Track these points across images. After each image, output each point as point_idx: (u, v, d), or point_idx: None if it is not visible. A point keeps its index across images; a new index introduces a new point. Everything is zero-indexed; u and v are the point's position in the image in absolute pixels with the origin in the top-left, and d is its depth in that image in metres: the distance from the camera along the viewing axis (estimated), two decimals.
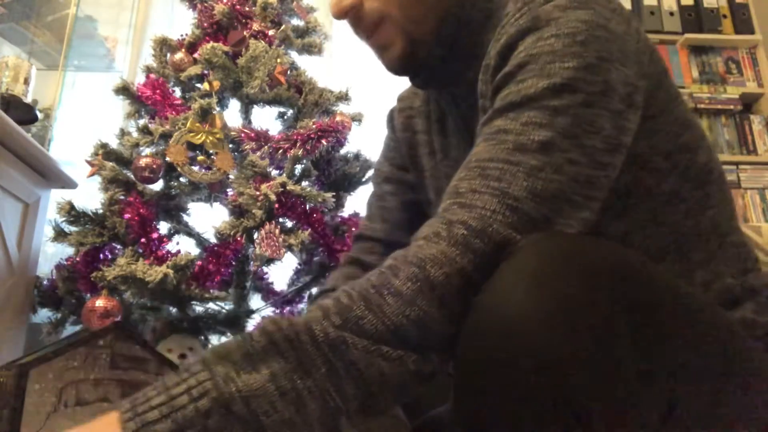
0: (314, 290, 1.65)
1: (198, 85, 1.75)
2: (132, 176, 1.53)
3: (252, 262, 1.55)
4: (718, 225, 0.65)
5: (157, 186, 1.59)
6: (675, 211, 0.63)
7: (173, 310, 1.53)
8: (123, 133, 1.70)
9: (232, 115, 1.76)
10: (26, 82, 1.70)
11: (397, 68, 0.71)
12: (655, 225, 0.62)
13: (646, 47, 0.61)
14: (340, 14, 0.67)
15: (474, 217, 0.50)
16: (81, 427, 0.42)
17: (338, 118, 1.68)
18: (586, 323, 0.42)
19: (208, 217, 1.69)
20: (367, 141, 1.83)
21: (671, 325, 0.47)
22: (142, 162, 1.51)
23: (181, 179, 1.61)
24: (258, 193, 1.45)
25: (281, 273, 1.74)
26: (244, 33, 1.73)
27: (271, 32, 1.77)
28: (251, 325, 1.61)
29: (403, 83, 0.81)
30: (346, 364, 0.44)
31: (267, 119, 1.80)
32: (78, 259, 1.48)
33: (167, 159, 1.50)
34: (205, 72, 1.71)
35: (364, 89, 1.96)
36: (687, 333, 0.47)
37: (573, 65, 0.54)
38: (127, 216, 1.45)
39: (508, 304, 0.43)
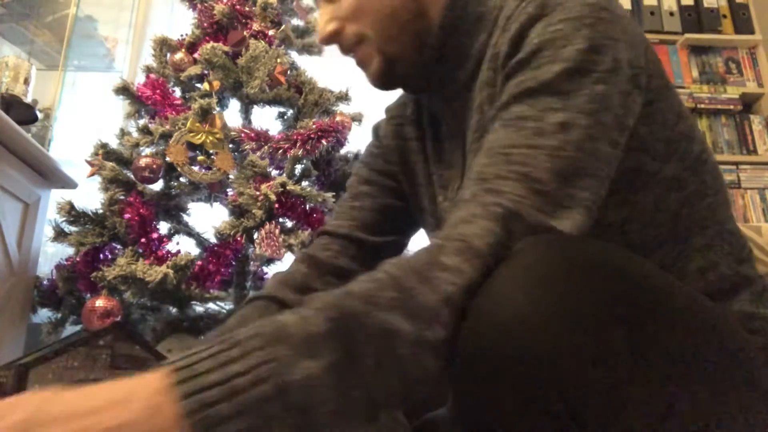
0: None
1: (198, 85, 1.75)
2: (132, 176, 1.53)
3: (252, 262, 1.55)
4: (714, 213, 0.66)
5: (157, 186, 1.59)
6: (675, 198, 0.64)
7: (173, 310, 1.53)
8: (123, 133, 1.70)
9: (232, 115, 1.76)
10: (26, 82, 1.70)
11: (377, 84, 0.75)
12: (655, 212, 0.63)
13: (642, 35, 0.64)
14: (324, 40, 0.73)
15: (505, 201, 0.51)
16: (121, 386, 0.39)
17: (338, 118, 1.68)
18: (584, 324, 0.42)
19: (208, 217, 1.69)
20: (367, 141, 1.83)
21: (669, 325, 0.47)
22: (142, 162, 1.51)
23: (181, 179, 1.61)
24: (258, 193, 1.45)
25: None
26: (244, 33, 1.73)
27: (271, 32, 1.77)
28: None
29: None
30: (394, 359, 0.43)
31: (267, 119, 1.80)
32: (78, 259, 1.48)
33: (167, 159, 1.50)
34: (205, 72, 1.72)
35: (364, 89, 1.96)
36: (685, 333, 0.48)
37: (583, 47, 0.57)
38: (127, 216, 1.45)
39: (506, 305, 0.44)
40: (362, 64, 0.74)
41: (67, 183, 1.77)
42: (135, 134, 1.66)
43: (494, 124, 0.59)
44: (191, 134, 1.51)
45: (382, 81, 0.74)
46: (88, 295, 1.47)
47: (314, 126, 1.58)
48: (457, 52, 0.71)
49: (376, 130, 0.90)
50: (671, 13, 2.64)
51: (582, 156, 0.53)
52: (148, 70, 1.79)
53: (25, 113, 1.66)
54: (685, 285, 0.54)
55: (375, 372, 0.42)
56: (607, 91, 0.56)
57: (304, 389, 0.39)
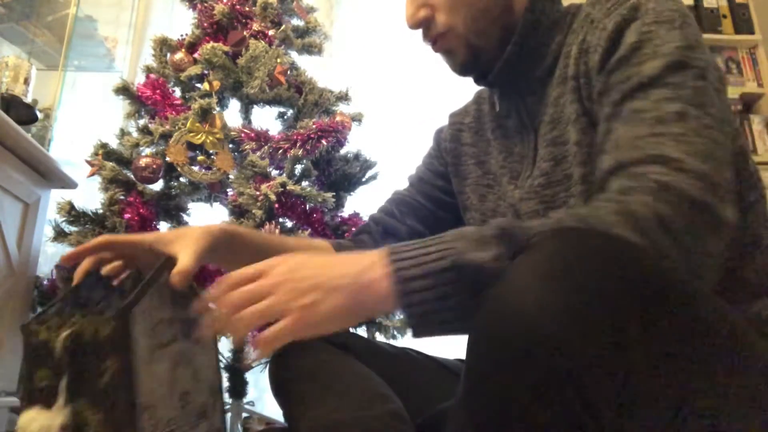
0: None
1: (198, 85, 1.75)
2: (132, 176, 1.53)
3: None
4: (762, 223, 0.69)
5: (157, 186, 1.59)
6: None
7: None
8: (123, 133, 1.70)
9: (232, 115, 1.76)
10: (26, 82, 1.70)
11: (460, 72, 0.80)
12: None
13: None
14: (414, 25, 0.77)
15: (654, 180, 0.55)
16: (350, 258, 0.56)
17: (338, 118, 1.68)
18: (599, 318, 0.43)
19: (208, 217, 1.69)
20: (367, 141, 1.83)
21: (683, 321, 0.47)
22: (142, 162, 1.51)
23: (181, 179, 1.61)
24: (258, 193, 1.45)
25: None
26: (244, 33, 1.73)
27: (271, 32, 1.77)
28: None
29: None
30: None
31: (267, 119, 1.80)
32: None
33: (167, 159, 1.50)
34: (205, 72, 1.71)
35: (364, 89, 1.96)
36: (698, 330, 0.48)
37: (680, 45, 0.62)
38: (127, 216, 1.45)
39: (522, 297, 0.44)
40: (447, 52, 0.79)
41: (67, 183, 1.77)
42: (135, 134, 1.66)
43: (610, 123, 0.63)
44: (191, 134, 1.51)
45: (467, 69, 0.79)
46: None
47: (314, 126, 1.58)
48: (535, 50, 0.76)
49: (438, 133, 0.98)
50: None
51: (705, 141, 0.57)
52: (148, 70, 1.78)
53: (25, 113, 1.66)
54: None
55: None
56: (707, 85, 0.60)
57: (475, 268, 0.50)
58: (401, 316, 0.58)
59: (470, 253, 0.51)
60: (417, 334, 0.54)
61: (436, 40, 0.77)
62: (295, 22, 1.93)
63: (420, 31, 0.78)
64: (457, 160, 0.91)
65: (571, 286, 0.43)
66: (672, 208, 0.52)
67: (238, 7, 1.77)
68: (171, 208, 1.64)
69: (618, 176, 0.58)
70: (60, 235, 1.53)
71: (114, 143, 1.67)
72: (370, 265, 0.54)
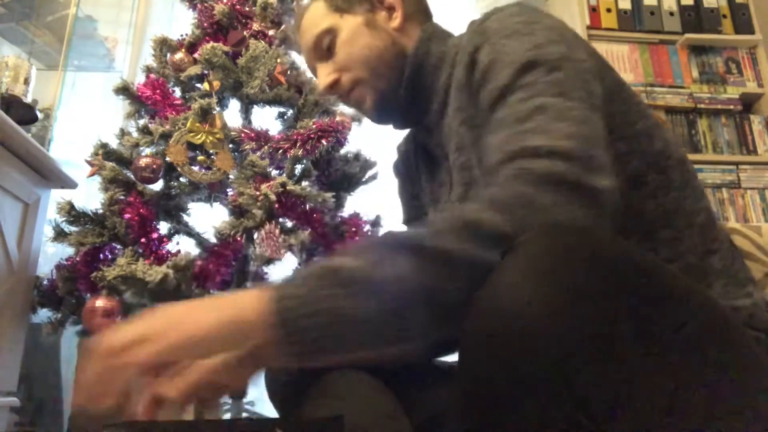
0: None
1: (198, 85, 1.75)
2: (132, 176, 1.53)
3: (252, 262, 1.55)
4: (681, 206, 0.70)
5: (157, 186, 1.59)
6: (639, 195, 0.68)
7: None
8: (123, 133, 1.70)
9: (232, 115, 1.76)
10: (26, 82, 1.70)
11: (374, 117, 0.87)
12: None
13: (575, 33, 0.71)
14: (326, 91, 0.86)
15: (512, 174, 0.56)
16: (226, 300, 0.53)
17: (338, 118, 1.68)
18: (590, 314, 0.43)
19: (208, 217, 1.69)
20: (367, 141, 1.83)
21: (673, 316, 0.47)
22: (142, 162, 1.51)
23: (181, 179, 1.61)
24: (258, 193, 1.45)
25: (281, 273, 1.73)
26: (244, 33, 1.73)
27: (271, 32, 1.77)
28: None
29: None
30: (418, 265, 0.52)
31: (267, 119, 1.80)
32: (78, 259, 1.48)
33: (167, 159, 1.50)
34: (205, 72, 1.71)
35: None
36: (689, 325, 0.48)
37: (528, 47, 0.64)
38: (127, 216, 1.45)
39: (512, 295, 0.44)
40: (358, 104, 0.86)
41: (67, 183, 1.77)
42: (135, 134, 1.66)
43: (484, 138, 0.65)
44: (191, 134, 1.51)
45: (378, 114, 0.86)
46: (88, 295, 1.47)
47: (314, 126, 1.58)
48: (427, 89, 0.82)
49: (395, 167, 1.03)
50: (671, 13, 2.64)
51: (567, 124, 0.58)
52: (148, 70, 1.78)
53: (25, 113, 1.66)
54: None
55: (400, 274, 0.51)
56: (562, 76, 0.62)
57: (349, 272, 0.51)
58: None
59: (343, 262, 0.52)
60: (308, 355, 0.51)
61: (348, 95, 0.85)
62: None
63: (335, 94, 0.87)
64: (417, 183, 0.97)
65: (559, 286, 0.44)
66: (533, 188, 0.53)
67: (238, 7, 1.77)
68: (171, 208, 1.64)
69: (486, 183, 0.60)
70: (60, 235, 1.53)
71: (114, 143, 1.67)
72: (247, 294, 0.52)
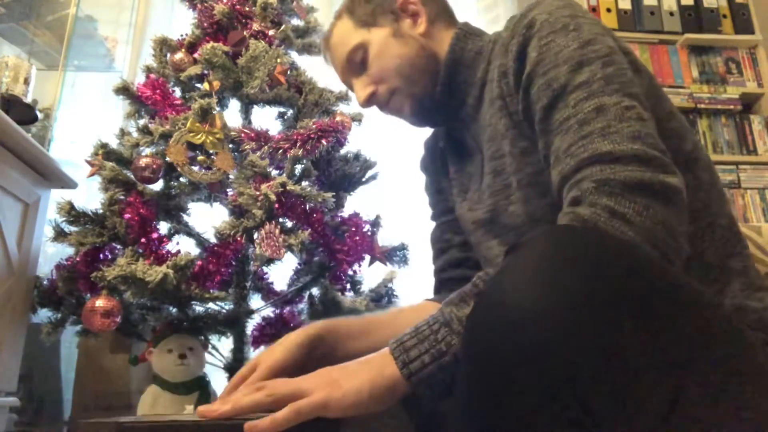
0: (314, 290, 1.65)
1: (198, 85, 1.75)
2: (132, 176, 1.53)
3: (252, 262, 1.55)
4: (707, 207, 0.71)
5: (157, 186, 1.59)
6: None
7: (173, 310, 1.53)
8: (123, 133, 1.70)
9: (232, 115, 1.76)
10: (26, 82, 1.70)
11: (414, 121, 0.92)
12: None
13: (610, 31, 0.75)
14: (365, 104, 0.90)
15: (593, 181, 0.58)
16: (360, 362, 0.62)
17: (338, 118, 1.68)
18: (591, 315, 0.43)
19: (208, 217, 1.69)
20: (367, 141, 1.83)
21: (675, 317, 0.47)
22: (142, 162, 1.50)
23: (181, 179, 1.61)
24: (258, 193, 1.44)
25: (281, 273, 1.73)
26: (244, 33, 1.73)
27: (271, 32, 1.77)
28: (251, 325, 1.61)
29: None
30: None
31: (267, 119, 1.80)
32: (78, 259, 1.48)
33: (167, 159, 1.50)
34: (205, 72, 1.71)
35: None
36: (690, 325, 0.48)
37: (577, 45, 0.67)
38: (127, 216, 1.45)
39: (513, 296, 0.44)
40: (398, 111, 0.90)
41: (67, 183, 1.77)
42: (135, 134, 1.66)
43: (546, 138, 0.69)
44: (191, 134, 1.51)
45: (418, 118, 0.91)
46: (88, 295, 1.46)
47: (314, 126, 1.58)
48: (463, 83, 0.85)
49: (422, 162, 1.06)
50: (671, 13, 2.64)
51: (630, 123, 0.61)
52: (148, 70, 1.78)
53: (25, 113, 1.66)
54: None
55: None
56: (614, 70, 0.65)
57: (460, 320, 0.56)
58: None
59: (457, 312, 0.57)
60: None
61: (387, 105, 0.90)
62: (295, 22, 1.93)
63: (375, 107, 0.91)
64: (441, 178, 1.00)
65: (563, 287, 0.44)
66: (614, 199, 0.55)
67: (238, 7, 1.77)
68: (171, 208, 1.63)
69: (566, 190, 0.62)
70: (60, 235, 1.53)
71: (114, 143, 1.67)
72: (380, 358, 0.61)
